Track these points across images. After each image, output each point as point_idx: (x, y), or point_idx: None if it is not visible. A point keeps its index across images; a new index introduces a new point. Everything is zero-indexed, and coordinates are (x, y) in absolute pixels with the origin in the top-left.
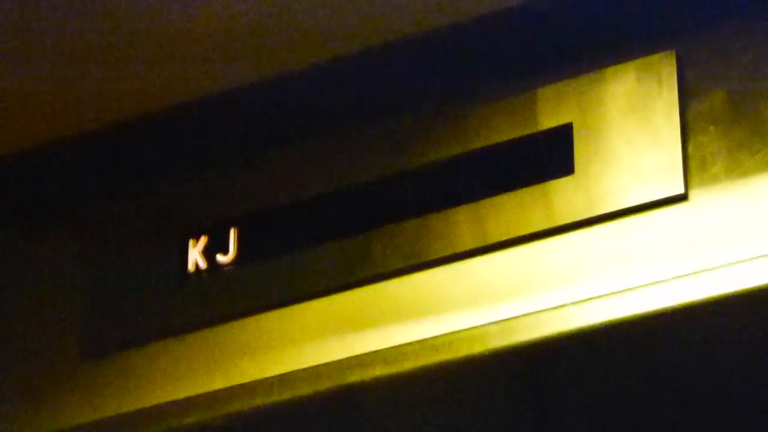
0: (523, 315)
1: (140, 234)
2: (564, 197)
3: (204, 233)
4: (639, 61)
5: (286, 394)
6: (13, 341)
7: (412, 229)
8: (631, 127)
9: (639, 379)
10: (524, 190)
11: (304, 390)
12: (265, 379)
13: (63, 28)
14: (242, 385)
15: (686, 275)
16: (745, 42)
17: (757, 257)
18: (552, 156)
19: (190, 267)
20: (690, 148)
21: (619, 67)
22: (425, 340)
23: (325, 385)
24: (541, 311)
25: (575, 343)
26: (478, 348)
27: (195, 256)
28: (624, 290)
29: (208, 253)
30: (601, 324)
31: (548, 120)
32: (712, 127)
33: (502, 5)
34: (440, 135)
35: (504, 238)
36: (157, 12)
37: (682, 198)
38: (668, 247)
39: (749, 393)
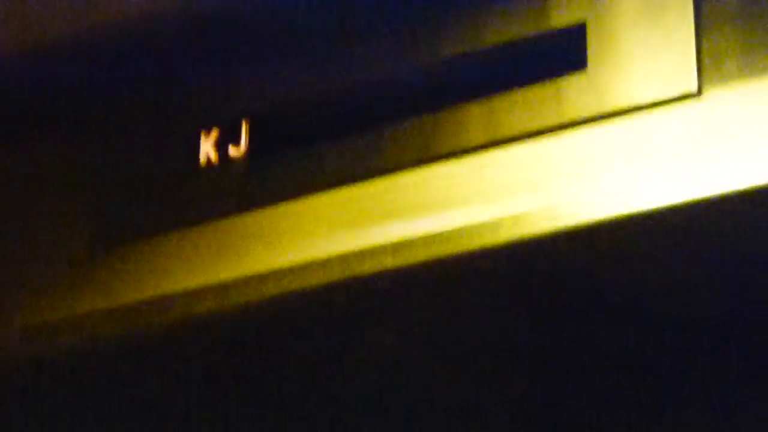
0: (534, 209)
1: (151, 127)
2: (576, 93)
3: (215, 126)
4: None
5: (296, 284)
6: (26, 235)
7: (423, 123)
8: (645, 24)
9: (652, 274)
10: (536, 85)
11: (315, 280)
12: (277, 270)
13: None
14: (254, 275)
15: (698, 172)
16: None
17: None
18: (565, 52)
19: (202, 159)
20: (704, 46)
21: None
22: (436, 232)
23: (335, 275)
24: (552, 205)
25: (587, 237)
26: (488, 240)
27: (207, 148)
28: (635, 186)
29: (220, 145)
30: (613, 218)
31: (562, 16)
32: (727, 25)
33: None
34: (452, 32)
35: (515, 133)
36: None
37: (695, 95)
38: (680, 144)
39: (756, 289)
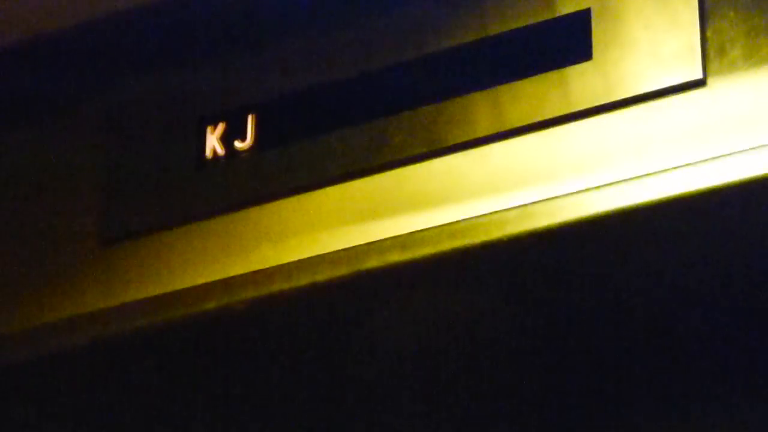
0: (540, 201)
1: (157, 120)
2: (582, 83)
3: (221, 119)
4: None
5: (304, 280)
6: (33, 230)
7: (429, 115)
8: (650, 12)
9: (656, 266)
10: (542, 75)
11: (322, 275)
12: (284, 265)
13: None
14: (261, 271)
15: (704, 160)
16: None
17: None
18: (570, 41)
19: (208, 153)
20: (709, 34)
21: None
22: (443, 225)
23: (342, 270)
24: (558, 197)
25: (593, 228)
26: (496, 233)
27: (212, 142)
28: (642, 175)
29: (226, 139)
30: (619, 209)
31: (567, 5)
32: (731, 13)
33: None
34: (457, 21)
35: (522, 123)
36: None
37: (700, 83)
38: (686, 133)
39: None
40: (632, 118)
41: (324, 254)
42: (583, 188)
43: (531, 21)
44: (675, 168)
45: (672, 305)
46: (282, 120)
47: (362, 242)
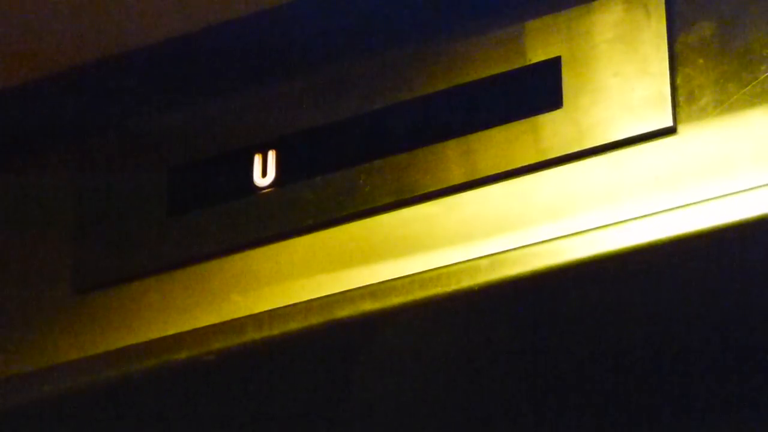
0: (512, 249)
1: (128, 168)
2: (553, 131)
3: (192, 168)
4: None
5: (276, 329)
6: (3, 277)
7: (399, 163)
8: (620, 60)
9: (629, 313)
10: (513, 124)
11: (294, 325)
12: (255, 315)
13: None
14: (232, 321)
15: (675, 208)
16: None
17: (745, 190)
18: (540, 89)
19: (179, 202)
20: (678, 81)
21: (608, 0)
22: (414, 274)
23: (314, 320)
24: (530, 245)
25: (565, 276)
26: (467, 282)
27: (183, 191)
28: (613, 223)
29: (197, 188)
30: (590, 257)
31: (536, 53)
32: (701, 59)
33: None
34: (428, 69)
35: (493, 172)
36: None
37: (670, 131)
38: (657, 180)
39: (736, 326)
40: (603, 166)
41: (296, 304)
42: (555, 236)
43: (501, 69)
44: (646, 216)
45: (642, 351)
46: (252, 169)
47: (334, 291)
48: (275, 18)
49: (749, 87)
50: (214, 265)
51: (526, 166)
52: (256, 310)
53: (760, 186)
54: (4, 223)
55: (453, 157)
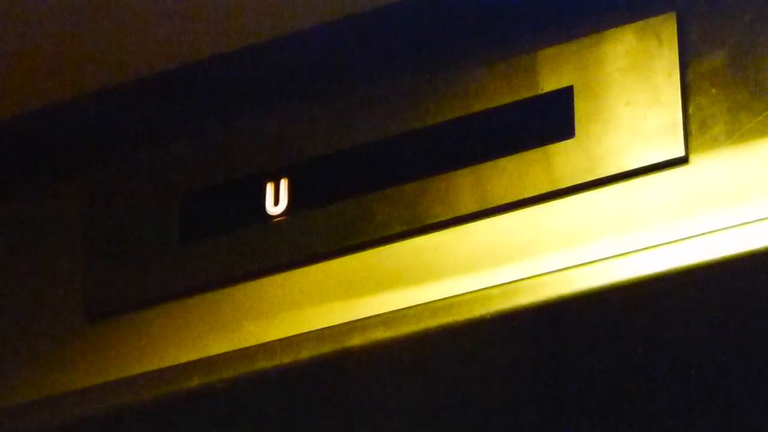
0: (524, 278)
1: (140, 195)
2: (565, 160)
3: (205, 195)
4: (639, 23)
5: (287, 358)
6: (15, 304)
7: (412, 192)
8: (632, 89)
9: (640, 342)
10: (525, 153)
11: (306, 353)
12: (267, 343)
13: None
14: (245, 349)
15: (687, 238)
16: (745, 3)
17: (758, 220)
18: (553, 119)
19: (192, 229)
20: (690, 110)
21: (620, 29)
22: (426, 303)
23: (326, 348)
24: (542, 274)
25: (577, 306)
26: (479, 311)
27: (197, 218)
28: (625, 253)
29: (210, 215)
30: (602, 287)
31: (549, 83)
32: (713, 89)
33: None
34: (440, 97)
35: (505, 201)
36: None
37: (682, 161)
38: (669, 210)
39: (748, 356)
40: (615, 196)
41: (307, 332)
42: (567, 266)
43: (514, 98)
44: (658, 245)
45: (653, 380)
46: (264, 197)
47: (345, 320)
48: (288, 46)
49: (761, 116)
50: (225, 292)
51: (537, 196)
52: (268, 339)
53: None
54: (16, 249)
55: (465, 185)
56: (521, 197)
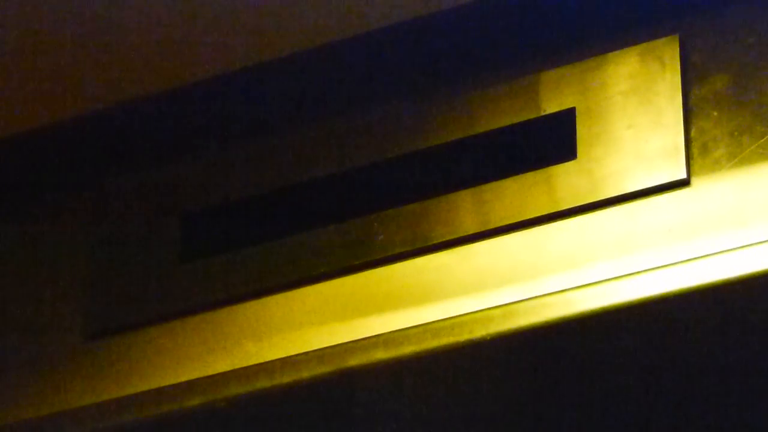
0: (525, 299)
1: (140, 214)
2: (567, 182)
3: (204, 214)
4: (642, 46)
5: (288, 378)
6: (14, 322)
7: (413, 213)
8: (634, 112)
9: (642, 364)
10: (527, 174)
11: (306, 373)
12: (267, 363)
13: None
14: (245, 369)
15: (689, 260)
16: (748, 26)
17: (760, 243)
18: (555, 140)
19: (192, 248)
20: (692, 133)
21: (622, 51)
22: (427, 324)
23: (326, 368)
24: (543, 295)
25: (578, 327)
26: (480, 332)
27: (196, 237)
28: (627, 275)
29: (209, 234)
30: (603, 309)
31: (551, 104)
32: (715, 112)
33: None
34: (442, 119)
35: (507, 222)
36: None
37: (684, 183)
38: (671, 232)
39: (750, 379)
40: (616, 218)
41: (308, 352)
42: (568, 287)
43: (515, 120)
44: (659, 267)
45: (655, 403)
46: (265, 216)
47: (346, 340)
48: (288, 67)
49: (763, 140)
50: (226, 312)
51: (539, 217)
52: (268, 358)
53: None
54: (15, 269)
55: (466, 207)
56: (523, 218)
